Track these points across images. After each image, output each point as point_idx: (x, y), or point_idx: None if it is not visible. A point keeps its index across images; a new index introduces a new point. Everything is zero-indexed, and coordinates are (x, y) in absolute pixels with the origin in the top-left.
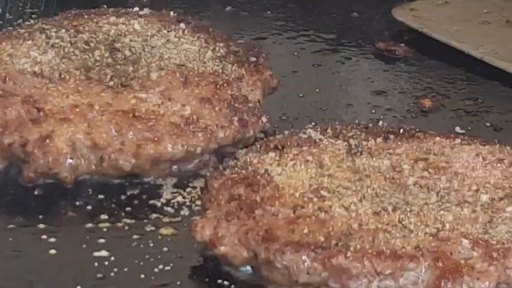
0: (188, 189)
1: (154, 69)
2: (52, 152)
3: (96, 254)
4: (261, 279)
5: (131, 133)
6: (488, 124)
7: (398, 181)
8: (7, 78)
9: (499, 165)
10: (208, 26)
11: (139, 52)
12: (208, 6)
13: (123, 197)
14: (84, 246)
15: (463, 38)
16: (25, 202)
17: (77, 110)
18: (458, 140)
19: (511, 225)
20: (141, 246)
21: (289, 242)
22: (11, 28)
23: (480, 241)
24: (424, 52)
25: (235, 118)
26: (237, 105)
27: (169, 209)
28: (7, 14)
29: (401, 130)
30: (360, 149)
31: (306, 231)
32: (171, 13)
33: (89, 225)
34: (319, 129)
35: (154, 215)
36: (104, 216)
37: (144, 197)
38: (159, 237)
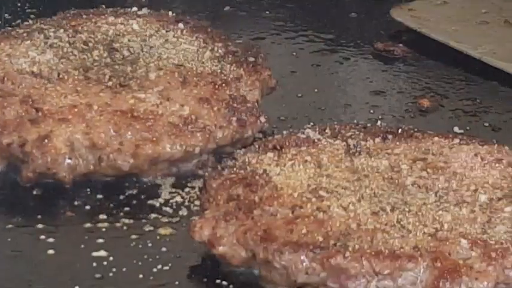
0: (187, 189)
1: (153, 69)
2: (51, 152)
3: (94, 254)
4: (260, 279)
5: (130, 133)
6: (486, 124)
7: (396, 181)
8: (5, 78)
9: (497, 165)
10: (206, 26)
11: (137, 52)
12: (206, 6)
13: (121, 197)
14: (82, 246)
15: (462, 38)
16: (24, 202)
17: (76, 110)
18: (456, 140)
19: (510, 225)
20: (140, 246)
21: (288, 242)
22: (9, 28)
23: (479, 241)
24: (422, 52)
25: (234, 118)
26: (235, 105)
27: (167, 209)
28: (6, 14)
29: (400, 130)
30: (358, 149)
31: (304, 231)
32: (170, 13)
33: (88, 225)
34: (317, 129)
35: (152, 215)
36: (102, 216)
37: (142, 197)
38: (158, 237)
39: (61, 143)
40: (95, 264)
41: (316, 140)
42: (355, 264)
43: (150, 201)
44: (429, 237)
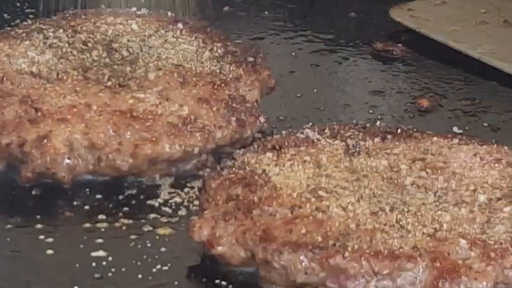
0: (186, 189)
1: (152, 69)
2: (50, 152)
3: (93, 254)
4: (259, 279)
5: (129, 133)
6: (485, 124)
7: (395, 181)
8: (5, 79)
9: (496, 165)
10: (206, 26)
11: (137, 52)
12: (206, 6)
13: (120, 197)
14: (81, 246)
15: (461, 38)
16: (23, 202)
17: (75, 110)
18: (455, 140)
19: (509, 225)
20: (139, 246)
21: (287, 242)
22: (8, 28)
23: (478, 241)
24: (421, 52)
25: (233, 118)
26: (234, 105)
27: (167, 209)
28: (5, 14)
29: (399, 130)
30: (357, 149)
31: (303, 231)
32: (169, 13)
33: (87, 225)
34: (316, 130)
35: (152, 215)
36: (101, 216)
37: (141, 197)
38: (157, 237)
39: (60, 143)
40: (94, 264)
41: (315, 140)
42: (354, 264)
43: (149, 201)
44: (428, 237)
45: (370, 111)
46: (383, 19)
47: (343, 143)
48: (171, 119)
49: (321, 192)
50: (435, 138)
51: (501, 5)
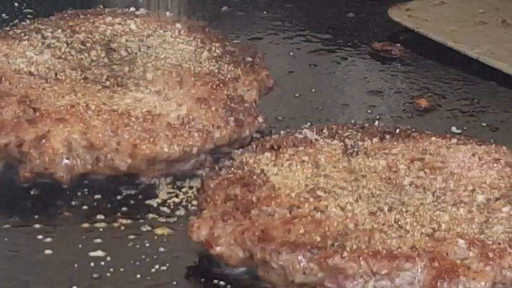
0: (184, 189)
1: (151, 69)
2: (48, 152)
3: (92, 254)
4: (257, 279)
5: (127, 133)
6: (484, 124)
7: (394, 181)
8: (3, 79)
9: (495, 165)
10: (204, 26)
11: (135, 52)
12: (204, 6)
13: (119, 197)
14: (80, 246)
15: (459, 38)
16: (21, 202)
17: (73, 110)
18: (454, 140)
19: (507, 225)
20: (137, 246)
21: (285, 242)
22: (6, 28)
23: (476, 241)
24: (420, 52)
25: (231, 118)
26: (233, 105)
27: (165, 209)
28: (3, 14)
29: (398, 130)
30: (355, 149)
31: (302, 231)
32: (167, 13)
33: (85, 225)
34: (315, 130)
35: (150, 215)
36: (100, 216)
37: (140, 197)
38: (155, 237)
39: (58, 143)
40: (92, 264)
41: (313, 140)
42: (353, 264)
43: (147, 201)
44: (427, 237)
45: (369, 111)
46: (381, 19)
47: (342, 143)
48: (169, 119)
49: (319, 192)
50: (434, 138)
51: (500, 5)
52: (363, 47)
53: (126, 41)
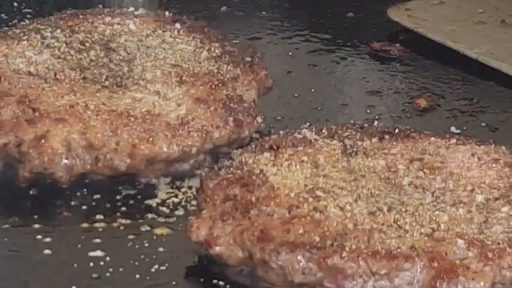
0: (183, 189)
1: (150, 69)
2: (47, 152)
3: (91, 254)
4: (256, 279)
5: (126, 133)
6: (483, 124)
7: (393, 181)
8: (2, 79)
9: (494, 165)
10: (203, 26)
11: (134, 52)
12: (203, 6)
13: (118, 197)
14: (79, 246)
15: (458, 38)
16: (20, 202)
17: (72, 110)
18: (453, 140)
19: (506, 225)
20: (137, 246)
21: (285, 242)
22: (6, 28)
23: (475, 241)
24: (419, 52)
25: (231, 118)
26: (232, 105)
27: (164, 209)
28: (2, 14)
29: (397, 130)
30: (355, 149)
31: (301, 231)
32: (167, 13)
33: (84, 225)
34: (314, 130)
35: (149, 215)
36: (99, 216)
37: (139, 197)
38: (155, 237)
39: (58, 143)
40: (91, 264)
41: (312, 140)
42: (352, 264)
43: (146, 201)
44: (426, 237)
45: (368, 111)
46: (381, 19)
47: (341, 143)
48: (168, 119)
49: (318, 192)
50: (433, 138)
51: (499, 5)
52: (362, 47)
53: (125, 41)
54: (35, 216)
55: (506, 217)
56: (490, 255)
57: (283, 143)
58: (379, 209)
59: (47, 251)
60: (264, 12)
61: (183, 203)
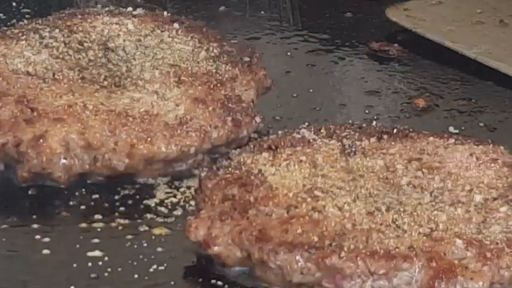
0: (182, 189)
1: (148, 69)
2: (46, 152)
3: (90, 254)
4: (255, 279)
5: (125, 133)
6: (482, 124)
7: (392, 181)
8: (0, 79)
9: (492, 165)
10: (201, 26)
11: (132, 52)
12: (202, 6)
13: (116, 197)
14: (77, 246)
15: (457, 38)
16: (19, 202)
17: (71, 110)
18: (452, 140)
19: (505, 225)
20: (135, 246)
21: (283, 242)
22: (4, 28)
23: (474, 241)
24: (417, 52)
25: (229, 118)
26: (230, 105)
27: (163, 209)
28: (1, 14)
29: (395, 130)
30: (353, 149)
31: (299, 231)
32: (165, 13)
33: (83, 225)
34: (312, 129)
35: (148, 215)
36: (97, 216)
37: (137, 197)
38: (153, 237)
39: (56, 143)
40: (90, 264)
41: (311, 140)
42: (350, 264)
43: (145, 201)
44: (424, 237)
45: (366, 111)
46: (379, 19)
47: (339, 143)
48: (167, 119)
49: (317, 192)
50: (431, 138)
51: (497, 5)
52: (361, 47)
53: (124, 41)
54: (34, 216)
55: (505, 217)
56: (488, 255)
57: (282, 143)
58: (377, 209)
59: (45, 251)
60: (262, 12)
61: (181, 203)
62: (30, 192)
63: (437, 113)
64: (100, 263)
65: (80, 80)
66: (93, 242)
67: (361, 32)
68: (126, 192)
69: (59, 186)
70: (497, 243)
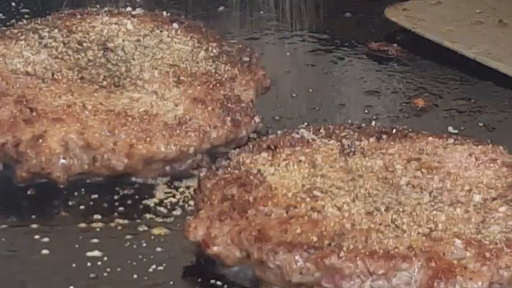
0: (181, 189)
1: (147, 69)
2: (45, 152)
3: (89, 254)
4: (254, 279)
5: (124, 133)
6: (481, 124)
7: (391, 181)
8: (0, 79)
9: (491, 165)
10: (201, 26)
11: (132, 52)
12: (201, 6)
13: (116, 197)
14: (77, 246)
15: (456, 38)
16: (18, 202)
17: (70, 110)
18: (451, 140)
19: (504, 225)
20: (134, 246)
21: (282, 242)
22: (3, 28)
23: (473, 241)
24: (416, 52)
25: (228, 118)
26: (229, 105)
27: (162, 209)
28: (0, 14)
29: (394, 130)
30: (352, 149)
31: (298, 231)
32: (164, 13)
33: (82, 225)
34: (312, 129)
35: (147, 215)
36: (96, 216)
37: (137, 197)
38: (152, 237)
39: (55, 143)
40: (89, 264)
41: (310, 140)
42: (350, 264)
43: (144, 201)
44: (423, 237)
45: (366, 111)
46: (378, 19)
47: (339, 143)
48: (166, 119)
49: (316, 192)
50: (430, 138)
51: (496, 5)
52: (360, 47)
53: (123, 41)
54: (33, 216)
55: (504, 217)
56: (487, 255)
57: (281, 143)
58: (376, 209)
59: (44, 251)
60: (262, 12)
61: (180, 203)
62: (29, 192)
63: (437, 113)
64: (99, 263)
65: (79, 80)
66: (93, 242)
67: (360, 32)
68: (125, 192)
69: (58, 186)
70: (496, 243)
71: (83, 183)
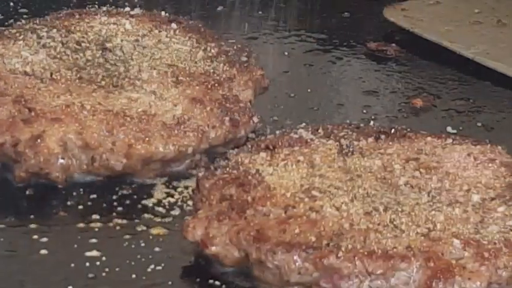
0: (179, 189)
1: (146, 69)
2: (43, 152)
3: (87, 254)
4: (253, 279)
5: (122, 133)
6: (479, 124)
7: (389, 181)
8: None
9: (490, 165)
10: (199, 26)
11: (130, 52)
12: (199, 6)
13: (114, 197)
14: (75, 246)
15: (455, 38)
16: (16, 202)
17: (68, 110)
18: (449, 140)
19: (502, 225)
20: (133, 246)
21: (281, 242)
22: (2, 28)
23: (471, 241)
24: (415, 52)
25: (227, 118)
26: (228, 105)
27: (160, 209)
28: None
29: (393, 130)
30: (351, 149)
31: (297, 231)
32: (163, 13)
33: (81, 225)
34: (310, 129)
35: (145, 215)
36: (95, 216)
37: (135, 197)
38: (151, 237)
39: (54, 143)
40: (87, 264)
41: (309, 140)
42: (348, 264)
43: (143, 201)
44: (422, 237)
45: (364, 111)
46: (377, 19)
47: (337, 143)
48: (164, 119)
49: (314, 192)
50: (429, 138)
51: (495, 5)
52: (358, 47)
53: (121, 40)
54: (31, 216)
55: (502, 217)
56: (486, 255)
57: (279, 143)
58: (375, 209)
59: (43, 251)
60: (260, 12)
61: (179, 203)
62: (27, 192)
63: (435, 113)
64: (98, 263)
65: (77, 80)
66: (91, 242)
67: (358, 32)
68: (124, 192)
69: (56, 186)
70: (494, 243)
71: (82, 183)
